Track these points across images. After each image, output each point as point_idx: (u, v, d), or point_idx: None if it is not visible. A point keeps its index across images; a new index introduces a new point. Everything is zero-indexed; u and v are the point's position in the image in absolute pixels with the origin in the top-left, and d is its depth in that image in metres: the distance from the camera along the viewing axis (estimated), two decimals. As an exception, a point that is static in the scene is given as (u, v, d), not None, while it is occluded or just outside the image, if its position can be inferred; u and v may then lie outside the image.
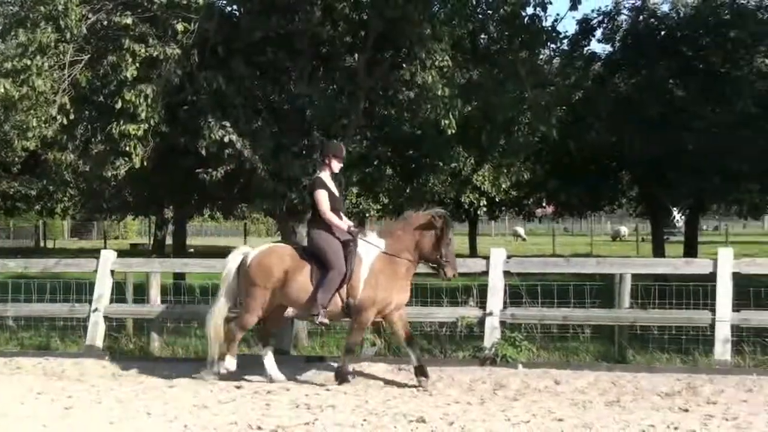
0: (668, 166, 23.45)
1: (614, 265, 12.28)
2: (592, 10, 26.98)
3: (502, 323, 11.50)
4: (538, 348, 11.56)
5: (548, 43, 15.68)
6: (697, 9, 25.16)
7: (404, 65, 12.94)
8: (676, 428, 7.90)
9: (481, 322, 11.58)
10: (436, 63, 12.50)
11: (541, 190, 28.45)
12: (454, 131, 13.01)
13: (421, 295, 11.81)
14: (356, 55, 13.65)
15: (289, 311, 10.75)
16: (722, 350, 10.69)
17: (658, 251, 25.89)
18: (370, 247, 10.44)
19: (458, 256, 11.15)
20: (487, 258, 11.86)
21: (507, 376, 10.55)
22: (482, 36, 14.62)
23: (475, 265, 12.30)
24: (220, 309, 10.90)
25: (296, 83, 13.03)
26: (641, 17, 25.91)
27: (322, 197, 10.49)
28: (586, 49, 26.27)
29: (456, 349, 11.81)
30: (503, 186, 27.37)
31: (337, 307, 10.35)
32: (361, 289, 10.28)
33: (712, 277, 10.99)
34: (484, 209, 32.31)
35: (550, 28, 14.62)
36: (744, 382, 9.91)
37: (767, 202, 27.00)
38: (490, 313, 11.48)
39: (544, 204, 33.24)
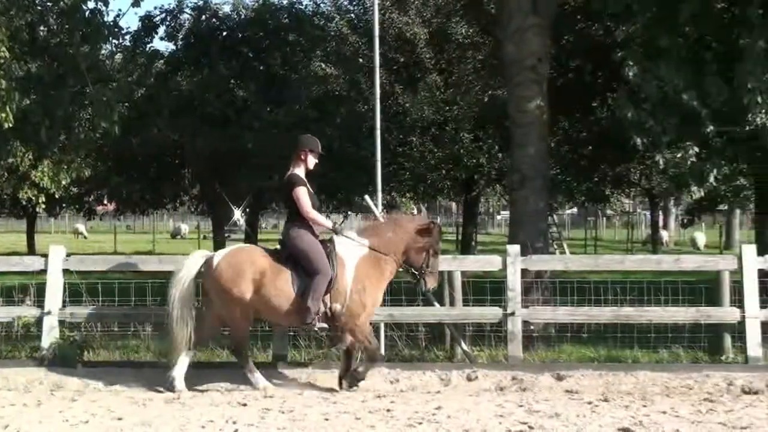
0: (229, 164, 24.11)
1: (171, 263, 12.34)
2: (155, 8, 26.98)
3: (61, 322, 11.21)
4: (98, 347, 11.46)
5: (110, 39, 15.54)
6: (257, 11, 26.07)
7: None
8: (234, 422, 8.19)
9: (39, 322, 11.22)
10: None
11: (103, 186, 28.01)
12: (11, 125, 12.46)
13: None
14: None
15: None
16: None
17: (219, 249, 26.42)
18: (352, 246, 9.83)
19: (14, 254, 10.68)
20: (45, 256, 11.50)
21: (66, 376, 10.30)
22: (41, 28, 14.15)
23: (33, 263, 11.85)
24: (182, 316, 9.75)
25: None
26: (203, 17, 26.42)
27: (303, 195, 9.71)
28: (149, 46, 26.28)
29: (12, 350, 11.39)
30: (63, 182, 26.49)
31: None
32: (349, 293, 9.66)
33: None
34: (43, 206, 31.00)
35: (112, 23, 14.53)
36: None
37: (322, 202, 28.59)
38: (48, 312, 11.14)
39: (105, 201, 32.70)
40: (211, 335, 10.45)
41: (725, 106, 12.01)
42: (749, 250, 10.83)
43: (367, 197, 11.67)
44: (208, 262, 9.88)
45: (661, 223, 43.16)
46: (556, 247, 30.34)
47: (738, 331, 10.79)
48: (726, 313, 10.85)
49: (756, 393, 9.38)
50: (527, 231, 13.54)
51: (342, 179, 24.72)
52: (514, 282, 10.88)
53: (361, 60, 23.72)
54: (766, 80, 11.46)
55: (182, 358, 9.78)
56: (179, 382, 9.69)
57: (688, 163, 12.79)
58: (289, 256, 9.67)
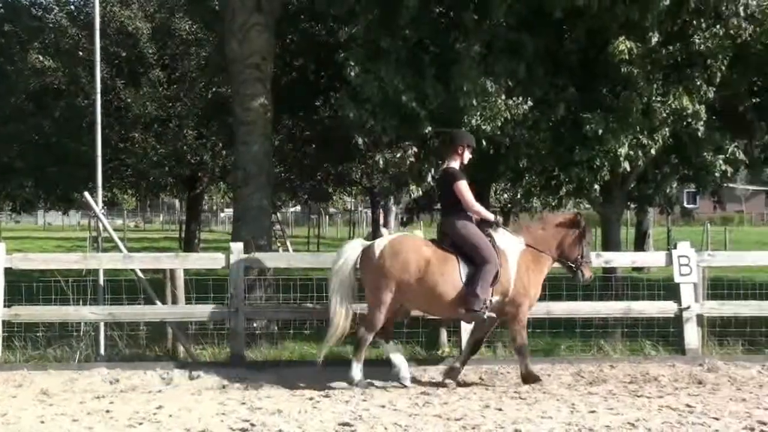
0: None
1: None
2: None
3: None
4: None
5: None
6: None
7: None
8: None
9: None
10: None
11: None
12: None
13: None
14: None
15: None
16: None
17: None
18: (512, 240, 9.81)
19: None
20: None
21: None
22: None
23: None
24: (344, 308, 9.67)
25: None
26: None
27: (466, 188, 9.73)
28: None
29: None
30: None
31: None
32: (513, 285, 9.62)
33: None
34: None
35: None
36: (14, 377, 10.01)
37: (40, 197, 27.33)
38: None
39: None
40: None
41: (442, 108, 12.54)
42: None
43: (86, 194, 11.26)
44: (368, 250, 9.77)
45: (381, 221, 44.38)
46: (279, 244, 30.53)
47: (454, 325, 11.18)
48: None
49: (470, 385, 9.80)
50: (251, 228, 13.55)
51: (61, 175, 23.78)
52: (237, 280, 10.82)
53: (81, 53, 22.75)
54: (481, 83, 12.05)
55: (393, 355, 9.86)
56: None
57: (408, 162, 13.26)
58: (452, 245, 9.68)
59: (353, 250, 9.89)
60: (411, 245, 9.71)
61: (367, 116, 12.65)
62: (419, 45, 13.49)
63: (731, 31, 12.13)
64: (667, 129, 12.61)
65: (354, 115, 12.67)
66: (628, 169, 12.97)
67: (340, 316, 9.69)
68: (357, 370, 9.63)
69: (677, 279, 11.02)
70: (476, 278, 9.45)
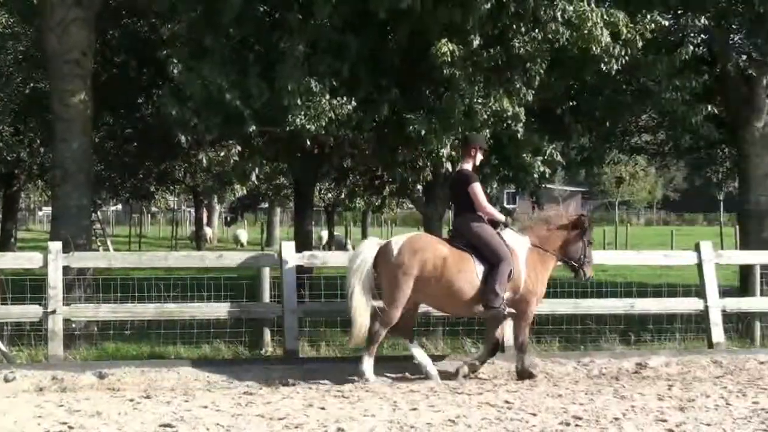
0: None
1: None
2: None
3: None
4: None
5: None
6: None
7: None
8: None
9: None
10: None
11: None
12: None
13: None
14: None
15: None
16: None
17: None
18: (520, 239, 10.23)
19: None
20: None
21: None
22: None
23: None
24: (364, 304, 9.80)
25: None
26: None
27: (480, 190, 10.20)
28: None
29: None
30: None
31: None
32: (523, 282, 10.03)
33: None
34: None
35: None
36: None
37: None
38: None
39: None
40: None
41: (267, 107, 12.55)
42: (288, 247, 11.37)
43: None
44: (386, 248, 9.96)
45: (205, 220, 43.88)
46: (99, 244, 29.76)
47: (278, 325, 11.30)
48: (266, 309, 11.37)
49: (293, 385, 9.84)
50: (70, 227, 13.20)
51: None
52: (56, 279, 10.58)
53: None
54: (305, 83, 12.13)
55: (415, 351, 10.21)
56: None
57: (231, 161, 13.22)
58: (467, 244, 10.00)
59: (370, 249, 10.12)
60: (429, 243, 10.04)
61: (190, 114, 12.51)
62: (243, 43, 13.46)
63: (549, 36, 12.51)
64: (487, 130, 12.93)
65: (177, 112, 12.50)
66: (450, 169, 13.27)
67: (362, 314, 9.86)
68: (367, 364, 9.89)
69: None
70: (493, 276, 9.83)
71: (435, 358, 10.64)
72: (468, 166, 10.48)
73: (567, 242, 10.47)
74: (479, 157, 10.57)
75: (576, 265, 10.53)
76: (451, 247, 10.05)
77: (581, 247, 10.48)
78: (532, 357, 10.62)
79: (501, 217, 10.37)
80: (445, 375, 10.23)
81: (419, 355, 10.21)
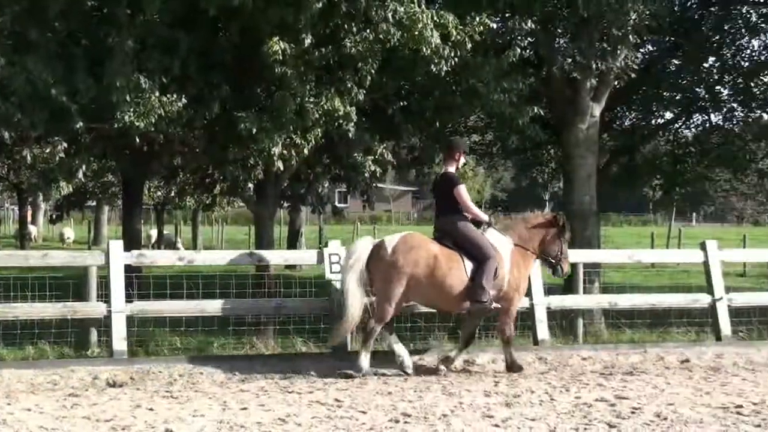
0: None
1: None
2: None
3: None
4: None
5: None
6: None
7: None
8: None
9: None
10: None
11: None
12: None
13: None
14: None
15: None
16: None
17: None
18: (503, 239, 10.72)
19: None
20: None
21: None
22: None
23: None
24: (359, 300, 10.28)
25: None
26: None
27: (465, 192, 10.75)
28: None
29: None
30: None
31: None
32: (507, 280, 10.53)
33: None
34: None
35: None
36: None
37: None
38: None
39: None
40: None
41: (95, 103, 12.25)
42: (116, 246, 11.18)
43: None
44: (379, 247, 10.38)
45: (29, 218, 42.38)
46: None
47: (105, 325, 11.02)
48: (93, 308, 11.07)
49: (121, 386, 9.71)
50: None
51: None
52: None
53: None
54: (134, 79, 11.90)
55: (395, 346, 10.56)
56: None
57: (57, 158, 12.83)
58: (454, 243, 10.49)
59: (364, 247, 10.52)
60: (421, 242, 10.46)
61: (14, 109, 12.07)
62: (71, 38, 13.07)
63: (381, 36, 12.64)
64: (319, 129, 13.02)
65: (0, 107, 12.05)
66: (282, 168, 13.30)
67: (356, 308, 10.29)
68: (365, 361, 10.26)
69: (328, 276, 11.51)
70: (481, 272, 10.34)
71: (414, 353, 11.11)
72: (452, 168, 11.07)
73: (545, 241, 11.11)
74: (462, 160, 11.23)
75: (554, 261, 11.19)
76: (441, 246, 10.54)
77: (558, 244, 11.14)
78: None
79: (485, 217, 10.99)
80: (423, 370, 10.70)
81: (398, 348, 10.60)
